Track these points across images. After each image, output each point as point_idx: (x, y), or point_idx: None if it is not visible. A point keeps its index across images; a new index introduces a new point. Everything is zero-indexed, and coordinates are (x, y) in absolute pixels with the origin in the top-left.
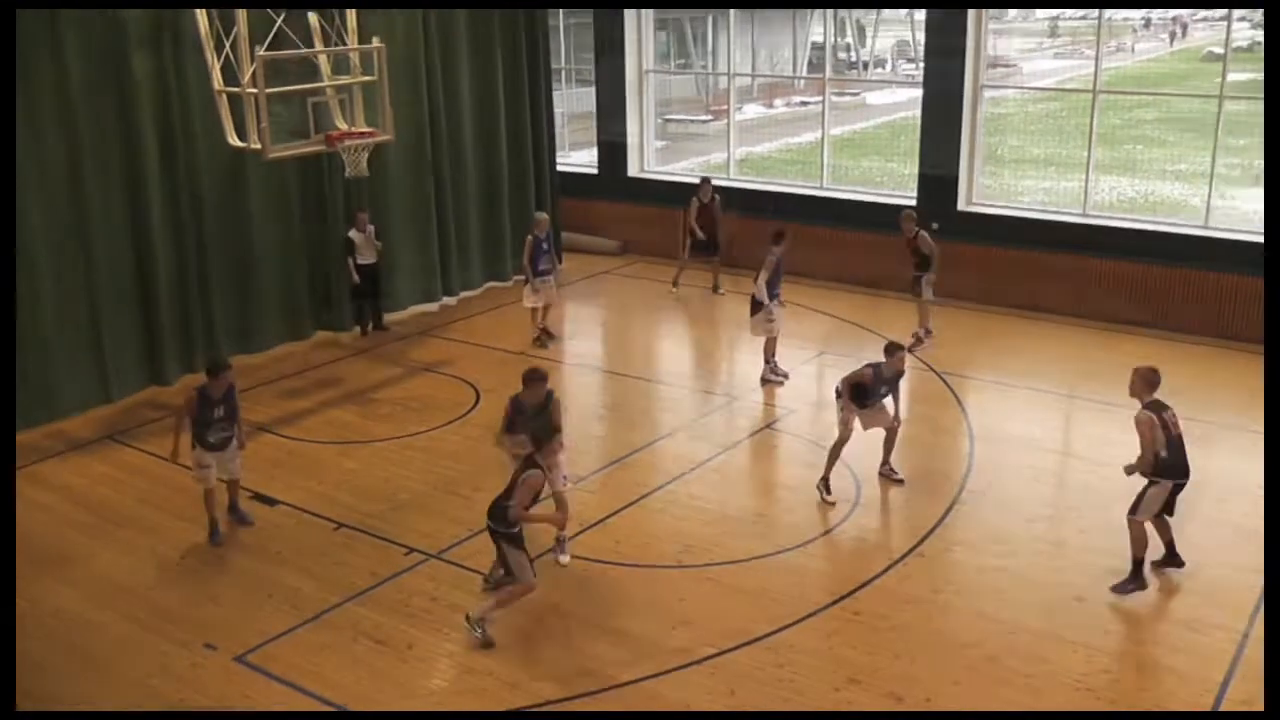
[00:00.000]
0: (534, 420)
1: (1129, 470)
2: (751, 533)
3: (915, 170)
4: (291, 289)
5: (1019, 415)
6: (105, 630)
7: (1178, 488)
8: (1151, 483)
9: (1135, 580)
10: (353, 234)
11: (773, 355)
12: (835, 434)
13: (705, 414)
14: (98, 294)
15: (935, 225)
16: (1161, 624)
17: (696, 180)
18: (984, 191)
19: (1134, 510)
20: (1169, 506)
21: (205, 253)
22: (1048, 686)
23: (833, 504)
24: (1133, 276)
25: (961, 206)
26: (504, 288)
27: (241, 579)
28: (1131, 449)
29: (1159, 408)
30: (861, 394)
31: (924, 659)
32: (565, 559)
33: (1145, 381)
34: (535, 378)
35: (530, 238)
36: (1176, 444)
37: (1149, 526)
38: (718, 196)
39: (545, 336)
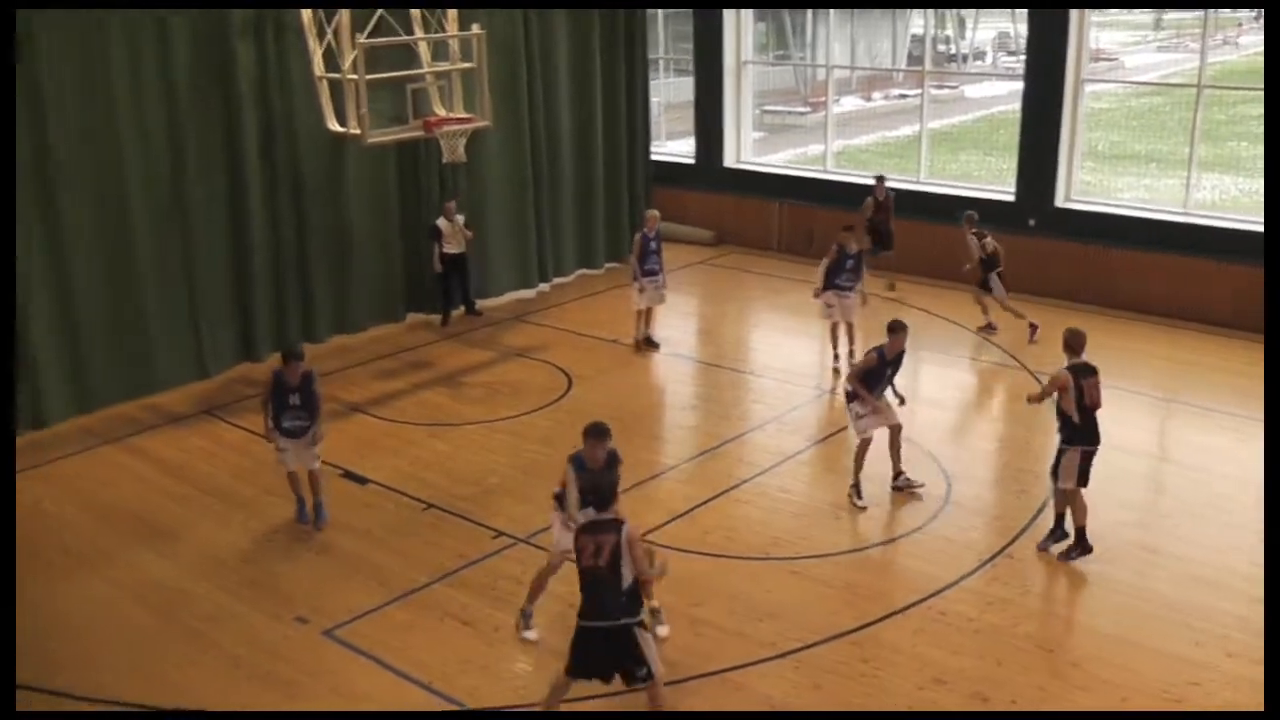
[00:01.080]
0: (600, 478)
1: (1030, 398)
2: (839, 527)
3: (1013, 165)
4: (387, 272)
5: (1113, 417)
6: (198, 601)
7: (1087, 454)
8: (1062, 449)
9: (1080, 546)
10: (440, 222)
11: (838, 344)
12: (855, 441)
13: (796, 407)
14: (196, 273)
15: (1031, 222)
16: (1252, 637)
17: (871, 180)
18: (1082, 188)
19: (1054, 474)
20: (1084, 476)
21: (302, 235)
22: (1134, 695)
23: (864, 509)
24: (1235, 278)
25: (1059, 203)
26: (596, 275)
27: (332, 555)
28: (1225, 455)
29: (1082, 373)
30: (872, 380)
31: (1010, 662)
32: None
33: (1066, 344)
34: (595, 434)
35: (639, 235)
36: (1088, 411)
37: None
38: (892, 193)
39: (646, 345)
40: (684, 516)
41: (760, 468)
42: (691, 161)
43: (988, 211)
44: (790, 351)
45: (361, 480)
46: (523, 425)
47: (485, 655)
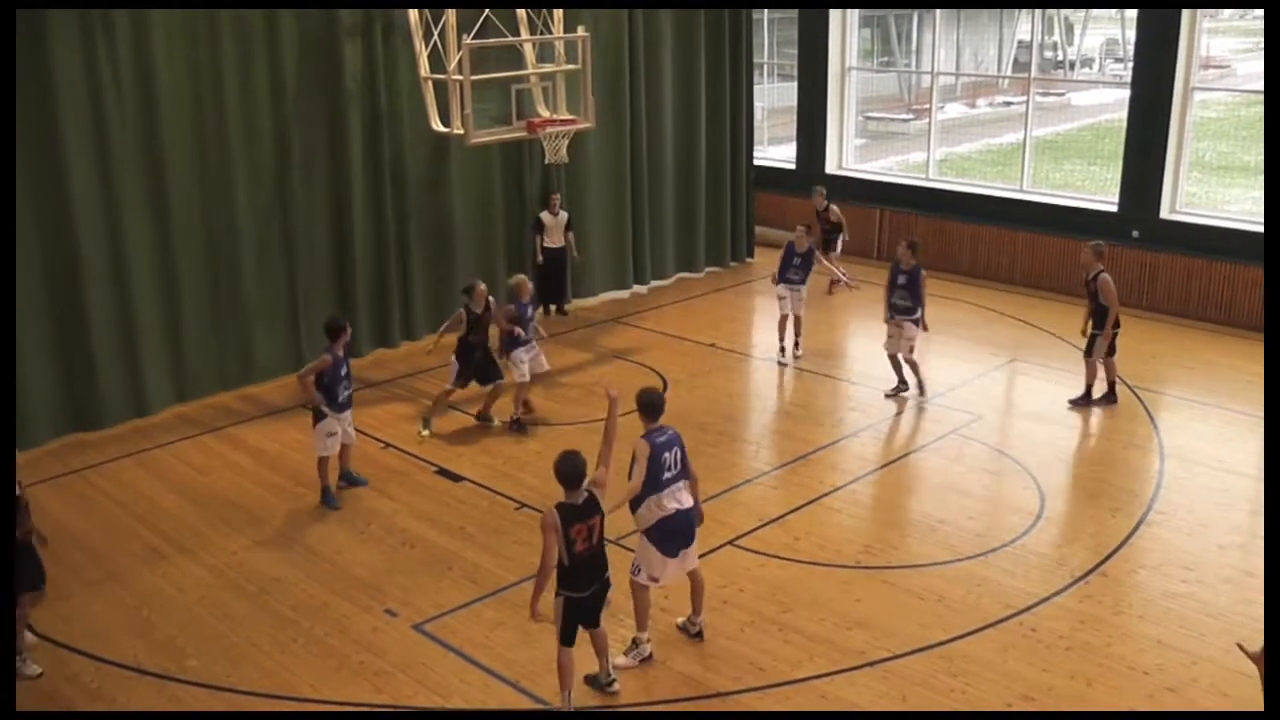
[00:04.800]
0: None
1: (1110, 330)
2: (932, 538)
3: (1118, 175)
4: (488, 272)
5: (1213, 435)
6: (291, 588)
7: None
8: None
9: (1089, 401)
10: (544, 215)
11: (784, 337)
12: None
13: (891, 415)
14: (297, 269)
15: (1135, 233)
16: None
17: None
18: (1187, 199)
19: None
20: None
21: (404, 233)
22: None
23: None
24: None
25: (1164, 214)
26: (695, 278)
27: (424, 550)
28: None
29: None
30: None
31: (1101, 683)
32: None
33: (1097, 254)
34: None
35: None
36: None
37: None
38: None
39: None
40: (776, 522)
41: (853, 475)
42: (793, 167)
43: (1090, 222)
44: (887, 359)
45: (456, 478)
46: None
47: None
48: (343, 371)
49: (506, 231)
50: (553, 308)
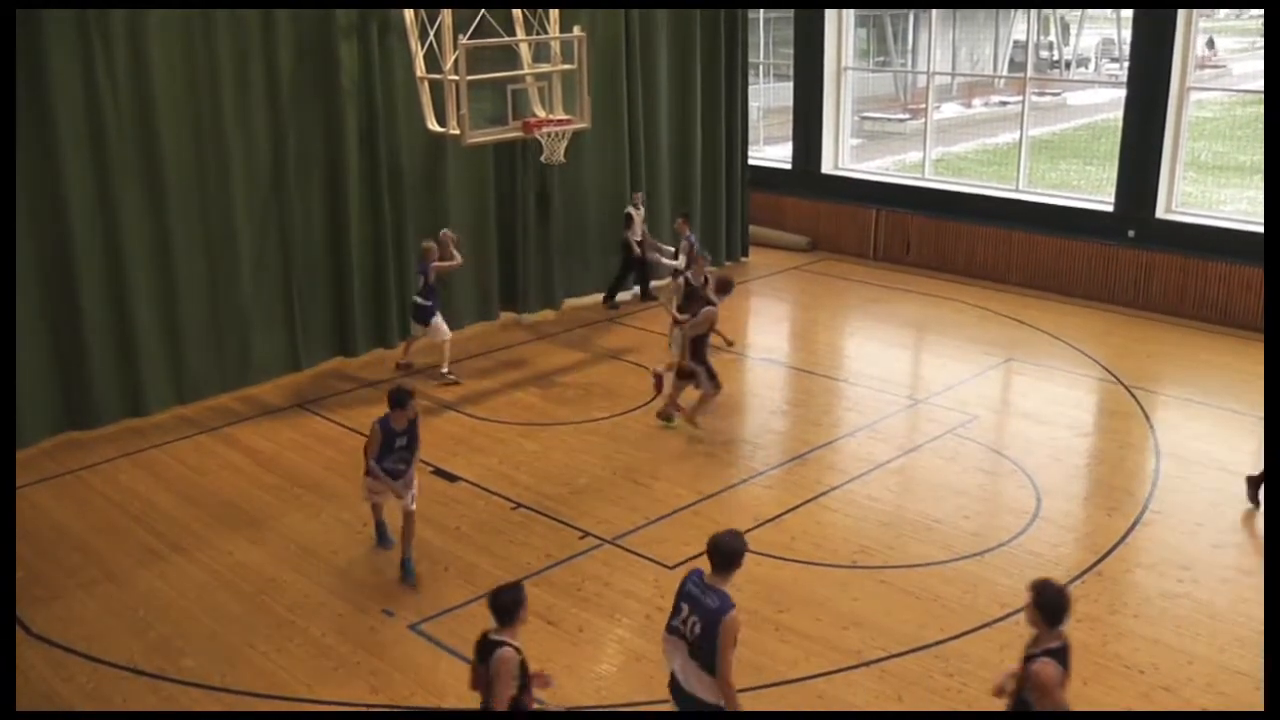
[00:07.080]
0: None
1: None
2: (928, 538)
3: (1114, 174)
4: (483, 271)
5: (1209, 435)
6: (287, 589)
7: None
8: None
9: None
10: (630, 210)
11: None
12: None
13: (887, 415)
14: (294, 268)
15: (1131, 233)
16: None
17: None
18: (1182, 199)
19: None
20: None
21: (400, 233)
22: None
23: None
24: None
25: (1160, 214)
26: None
27: (421, 550)
28: None
29: None
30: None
31: (1097, 682)
32: None
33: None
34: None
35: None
36: None
37: None
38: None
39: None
40: (772, 522)
41: (850, 475)
42: (788, 167)
43: (1086, 222)
44: (884, 359)
45: (452, 478)
46: (614, 426)
47: (569, 655)
48: (397, 444)
49: (500, 231)
50: (639, 291)
